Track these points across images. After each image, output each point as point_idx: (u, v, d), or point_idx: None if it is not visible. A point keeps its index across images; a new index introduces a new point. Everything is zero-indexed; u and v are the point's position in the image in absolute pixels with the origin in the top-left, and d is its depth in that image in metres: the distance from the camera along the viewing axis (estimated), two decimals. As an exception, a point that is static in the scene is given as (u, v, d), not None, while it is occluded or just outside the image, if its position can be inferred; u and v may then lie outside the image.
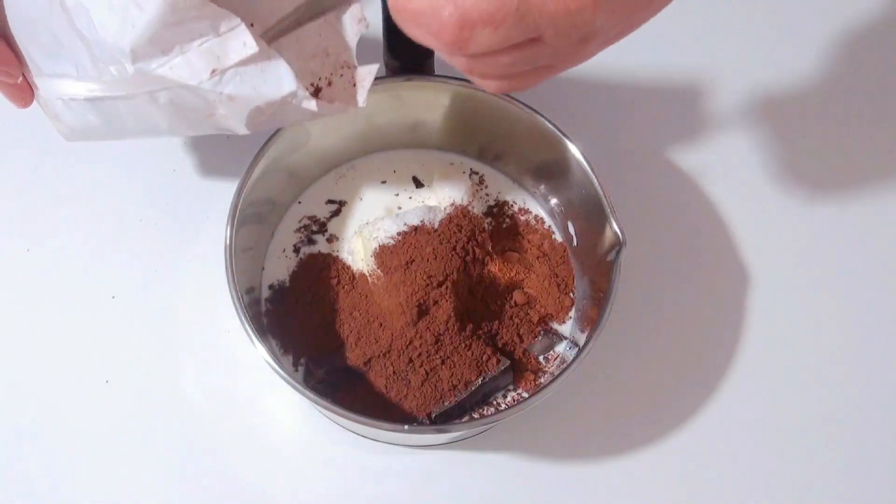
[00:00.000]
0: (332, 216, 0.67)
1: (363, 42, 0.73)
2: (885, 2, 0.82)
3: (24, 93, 0.55)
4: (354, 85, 0.55)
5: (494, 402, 0.61)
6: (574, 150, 0.61)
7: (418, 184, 0.68)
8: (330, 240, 0.66)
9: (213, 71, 0.48)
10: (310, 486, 0.62)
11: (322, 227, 0.66)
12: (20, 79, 0.54)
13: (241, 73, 0.48)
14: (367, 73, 0.54)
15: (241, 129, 0.52)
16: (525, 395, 0.61)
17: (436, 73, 0.64)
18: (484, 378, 0.59)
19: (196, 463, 0.62)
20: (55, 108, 0.55)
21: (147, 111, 0.52)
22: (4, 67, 0.52)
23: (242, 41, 0.47)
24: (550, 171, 0.64)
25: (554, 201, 0.67)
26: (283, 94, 0.49)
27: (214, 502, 0.61)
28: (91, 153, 0.70)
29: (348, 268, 0.64)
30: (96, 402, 0.63)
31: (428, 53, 0.63)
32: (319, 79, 0.54)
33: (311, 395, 0.53)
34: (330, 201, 0.67)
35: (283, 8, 0.52)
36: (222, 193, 0.66)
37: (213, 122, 0.52)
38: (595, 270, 0.61)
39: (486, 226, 0.65)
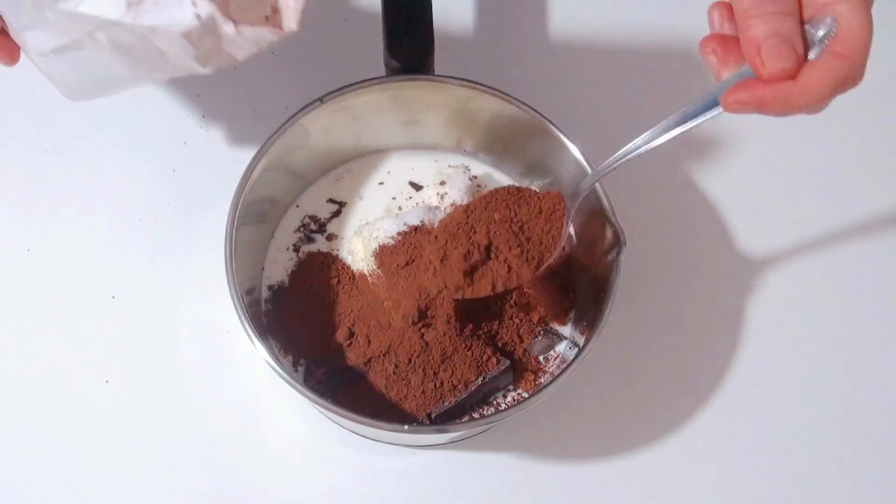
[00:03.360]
0: (332, 216, 0.67)
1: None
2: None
3: (10, 50, 0.55)
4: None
5: (494, 402, 0.61)
6: (574, 149, 0.61)
7: (416, 187, 0.68)
8: (330, 239, 0.66)
9: (129, 3, 0.47)
10: (310, 486, 0.62)
11: (322, 227, 0.66)
12: None
13: (158, 3, 0.47)
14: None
15: (198, 68, 0.51)
16: (525, 395, 0.61)
17: (436, 73, 0.64)
18: (484, 378, 0.59)
19: (196, 463, 0.62)
20: (44, 67, 0.55)
21: (102, 58, 0.51)
22: None
23: None
24: (550, 170, 0.64)
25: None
26: (202, 16, 0.48)
27: (214, 502, 0.61)
28: (91, 153, 0.70)
29: (348, 268, 0.64)
30: (96, 402, 0.63)
31: (427, 53, 0.62)
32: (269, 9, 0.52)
33: (311, 395, 0.53)
34: (330, 201, 0.67)
35: None
36: (222, 193, 0.66)
37: (168, 62, 0.51)
38: (595, 270, 0.61)
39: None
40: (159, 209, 0.69)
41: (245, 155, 0.60)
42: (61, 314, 0.66)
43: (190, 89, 0.73)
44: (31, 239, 0.68)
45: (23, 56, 0.54)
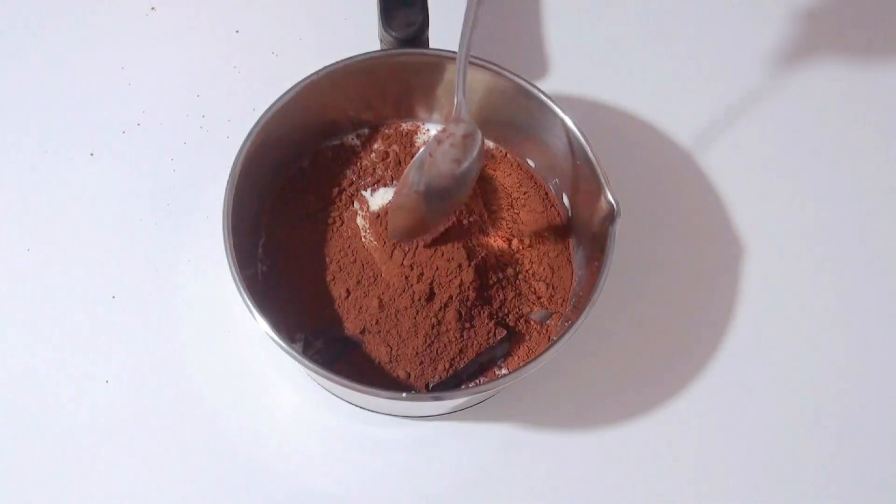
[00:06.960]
0: (331, 188, 0.66)
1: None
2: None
3: None
4: None
5: (492, 372, 0.61)
6: (567, 120, 0.61)
7: (411, 159, 0.67)
8: (328, 210, 0.65)
9: None
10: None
11: (321, 198, 0.65)
12: None
13: None
14: None
15: None
16: (522, 364, 0.61)
17: (430, 46, 0.64)
18: (481, 348, 0.59)
19: (196, 464, 0.62)
20: None
21: None
22: None
23: None
24: (544, 141, 0.64)
25: (548, 172, 0.67)
26: None
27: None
28: (91, 153, 0.71)
29: (347, 237, 0.63)
30: (96, 402, 0.63)
31: (422, 27, 0.63)
32: None
33: (311, 365, 0.53)
34: (329, 174, 0.67)
35: None
36: (222, 193, 0.66)
37: None
38: (590, 241, 0.61)
39: (481, 201, 0.65)
40: (159, 209, 0.69)
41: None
42: (61, 314, 0.66)
43: (190, 89, 0.74)
44: (31, 239, 0.68)
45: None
